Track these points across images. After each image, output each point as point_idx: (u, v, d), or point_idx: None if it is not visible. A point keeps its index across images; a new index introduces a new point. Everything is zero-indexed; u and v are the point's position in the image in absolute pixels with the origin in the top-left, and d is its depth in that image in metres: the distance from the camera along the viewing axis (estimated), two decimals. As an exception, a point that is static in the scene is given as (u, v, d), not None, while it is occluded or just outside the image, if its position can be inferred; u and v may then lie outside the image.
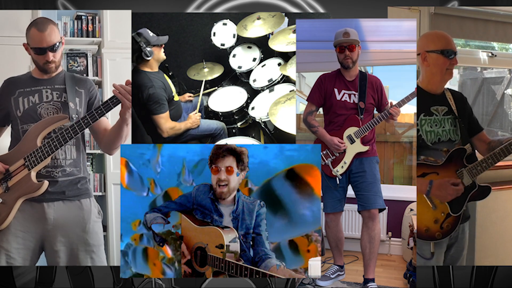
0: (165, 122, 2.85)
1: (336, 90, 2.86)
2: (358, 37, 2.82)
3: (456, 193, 1.99)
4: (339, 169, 2.84)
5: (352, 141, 2.83)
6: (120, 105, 2.06)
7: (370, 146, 2.87)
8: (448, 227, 2.02)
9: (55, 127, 2.10)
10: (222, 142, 2.97)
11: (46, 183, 2.07)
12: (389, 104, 2.89)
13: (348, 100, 2.85)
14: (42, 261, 2.21)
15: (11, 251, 2.06)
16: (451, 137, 2.06)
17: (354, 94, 2.85)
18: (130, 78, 2.82)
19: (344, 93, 2.85)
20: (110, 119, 2.31)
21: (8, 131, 2.23)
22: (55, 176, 2.11)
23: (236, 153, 1.84)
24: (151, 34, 2.87)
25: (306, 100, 2.94)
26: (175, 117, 3.00)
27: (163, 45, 2.93)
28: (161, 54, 2.92)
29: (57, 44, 2.14)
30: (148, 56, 2.85)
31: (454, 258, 2.13)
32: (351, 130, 2.83)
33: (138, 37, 2.83)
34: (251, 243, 1.85)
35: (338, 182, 2.84)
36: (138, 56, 2.85)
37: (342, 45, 2.80)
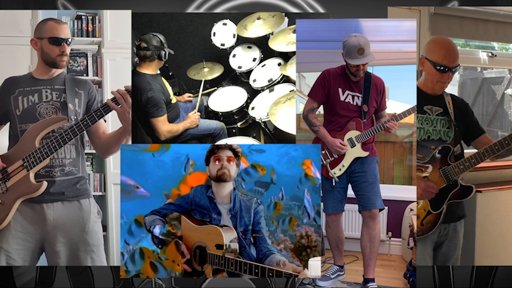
0: (163, 126, 2.86)
1: (340, 90, 2.81)
2: (369, 44, 2.72)
3: (427, 187, 2.01)
4: (337, 171, 2.83)
5: (352, 145, 2.81)
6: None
7: (369, 149, 2.86)
8: (427, 225, 2.04)
9: (54, 128, 2.11)
10: (222, 142, 2.97)
11: (45, 183, 2.07)
12: (386, 111, 2.92)
13: (352, 102, 2.81)
14: (42, 261, 2.21)
15: (11, 252, 2.06)
16: (442, 137, 2.09)
17: (358, 96, 2.81)
18: (130, 78, 2.85)
19: (348, 94, 2.81)
20: (110, 122, 2.31)
21: (5, 130, 2.23)
22: (54, 176, 2.11)
23: (233, 149, 1.94)
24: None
25: (308, 95, 2.89)
26: (173, 118, 3.01)
27: None
28: (162, 63, 2.97)
29: (70, 39, 2.18)
30: (165, 58, 2.89)
31: (446, 257, 2.14)
32: (353, 134, 2.81)
33: (157, 37, 2.86)
34: (251, 240, 1.87)
35: (334, 184, 2.83)
36: (145, 56, 2.85)
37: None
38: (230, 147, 1.93)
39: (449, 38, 2.10)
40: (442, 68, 2.02)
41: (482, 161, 2.00)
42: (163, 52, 2.87)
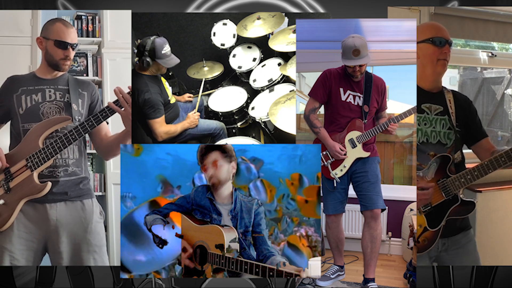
0: (160, 127, 2.85)
1: (341, 89, 2.81)
2: (366, 46, 2.71)
3: (419, 197, 1.82)
4: (338, 172, 2.83)
5: (354, 146, 2.81)
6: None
7: (370, 149, 2.86)
8: (424, 242, 1.86)
9: (58, 128, 2.10)
10: (222, 142, 2.97)
11: (49, 184, 2.06)
12: (386, 112, 2.93)
13: (353, 102, 2.81)
14: (45, 262, 2.21)
15: (15, 252, 2.06)
16: (442, 140, 1.89)
17: (359, 96, 2.81)
18: (130, 78, 2.85)
19: (349, 94, 2.81)
20: (110, 124, 2.31)
21: (6, 130, 2.22)
22: (57, 176, 2.11)
23: (219, 147, 1.91)
24: (163, 51, 2.79)
25: (309, 95, 2.89)
26: (173, 118, 3.01)
27: None
28: (162, 69, 2.89)
29: (76, 45, 2.18)
30: (142, 65, 2.81)
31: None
32: (354, 134, 2.81)
33: (148, 43, 2.78)
34: (251, 241, 1.86)
35: (335, 185, 2.83)
36: (140, 60, 2.85)
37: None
38: (215, 147, 1.90)
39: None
40: (439, 40, 1.87)
41: (486, 174, 1.78)
42: (144, 60, 2.79)
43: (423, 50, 1.90)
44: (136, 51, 2.85)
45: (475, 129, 1.96)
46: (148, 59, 2.79)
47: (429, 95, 1.93)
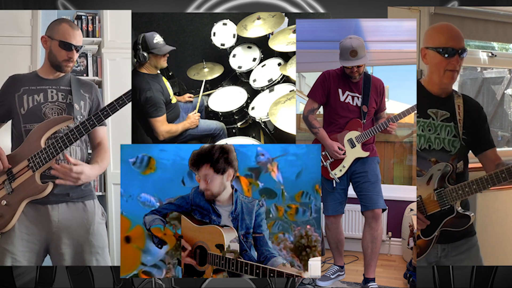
0: (161, 126, 2.85)
1: (340, 90, 2.82)
2: (364, 47, 2.72)
3: (418, 223, 1.79)
4: (337, 172, 2.83)
5: (353, 145, 2.81)
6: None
7: (370, 149, 2.86)
8: (417, 250, 1.83)
9: (60, 128, 2.10)
10: (222, 142, 2.97)
11: (51, 184, 2.05)
12: (386, 112, 2.93)
13: (351, 103, 2.82)
14: (46, 261, 2.20)
15: (17, 254, 2.04)
16: (446, 147, 1.81)
17: (358, 97, 2.82)
18: (130, 78, 2.85)
19: (348, 95, 2.82)
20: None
21: (7, 131, 2.22)
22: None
23: (209, 157, 1.83)
24: (155, 40, 2.83)
25: (307, 96, 2.90)
26: (173, 118, 3.01)
27: (167, 54, 2.89)
28: (160, 62, 2.89)
29: (80, 47, 2.17)
30: (140, 60, 2.83)
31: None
32: (352, 134, 2.81)
33: (139, 38, 2.83)
34: (252, 242, 1.85)
35: (334, 185, 2.83)
36: (137, 57, 2.85)
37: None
38: (206, 157, 1.83)
39: (449, 23, 1.83)
40: (447, 50, 1.74)
41: (484, 189, 1.70)
42: (140, 55, 2.82)
43: (431, 57, 1.80)
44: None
45: (484, 137, 1.87)
46: (144, 53, 2.82)
47: (436, 100, 1.84)
